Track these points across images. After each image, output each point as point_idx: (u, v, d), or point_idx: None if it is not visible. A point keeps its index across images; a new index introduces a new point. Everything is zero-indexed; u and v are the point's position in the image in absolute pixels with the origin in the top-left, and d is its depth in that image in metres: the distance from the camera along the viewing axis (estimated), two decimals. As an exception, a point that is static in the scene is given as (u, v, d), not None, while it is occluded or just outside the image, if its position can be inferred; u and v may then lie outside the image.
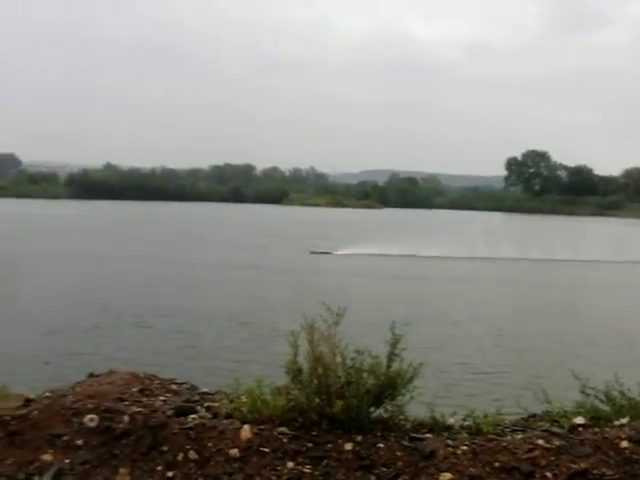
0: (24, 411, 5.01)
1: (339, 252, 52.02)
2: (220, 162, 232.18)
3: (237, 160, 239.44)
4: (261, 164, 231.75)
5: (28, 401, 5.22)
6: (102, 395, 5.18)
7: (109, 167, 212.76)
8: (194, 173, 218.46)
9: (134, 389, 5.45)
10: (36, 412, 4.98)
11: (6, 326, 22.57)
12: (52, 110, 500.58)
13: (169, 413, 4.98)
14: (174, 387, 5.75)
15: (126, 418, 4.84)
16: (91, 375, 5.91)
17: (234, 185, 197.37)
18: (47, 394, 5.35)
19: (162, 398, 5.39)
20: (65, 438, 4.75)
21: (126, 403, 5.11)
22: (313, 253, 51.10)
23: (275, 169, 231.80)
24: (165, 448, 4.61)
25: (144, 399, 5.28)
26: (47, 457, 4.63)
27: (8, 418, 4.94)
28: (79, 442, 4.72)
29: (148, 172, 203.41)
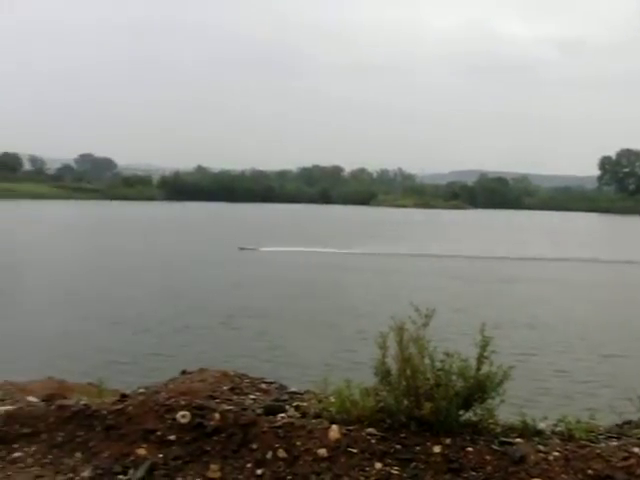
0: (120, 406, 5.16)
1: (402, 252, 51.96)
2: (309, 164, 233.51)
3: (325, 162, 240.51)
4: (349, 165, 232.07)
5: (123, 397, 5.38)
6: (194, 392, 5.28)
7: (200, 169, 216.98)
8: (283, 175, 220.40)
9: (225, 387, 5.54)
10: (131, 407, 5.12)
11: (104, 324, 23.33)
12: (147, 115, 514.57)
13: (259, 412, 5.03)
14: (264, 386, 5.81)
15: (217, 415, 4.92)
16: (183, 373, 6.03)
17: (322, 187, 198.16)
18: (141, 390, 5.49)
19: (252, 397, 5.46)
20: (158, 433, 4.87)
21: (217, 401, 5.19)
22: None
23: (363, 170, 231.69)
24: (255, 446, 4.67)
25: (234, 397, 5.36)
26: (141, 451, 4.75)
27: (105, 412, 5.10)
28: (172, 437, 4.83)
29: (238, 174, 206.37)
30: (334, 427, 4.73)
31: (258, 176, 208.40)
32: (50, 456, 4.87)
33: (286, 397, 5.49)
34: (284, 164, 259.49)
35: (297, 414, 5.06)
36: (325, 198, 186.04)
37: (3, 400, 5.63)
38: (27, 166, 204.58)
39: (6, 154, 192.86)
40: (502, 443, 4.71)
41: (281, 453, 4.58)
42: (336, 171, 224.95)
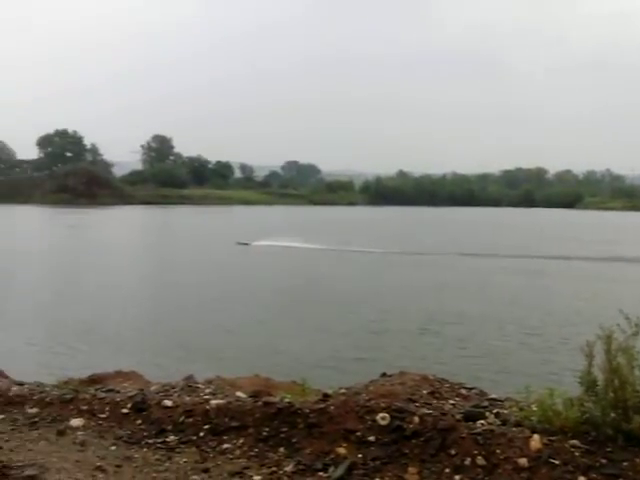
0: (322, 405, 5.31)
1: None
2: (511, 166, 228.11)
3: (529, 164, 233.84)
4: (553, 167, 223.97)
5: (325, 396, 5.52)
6: (394, 395, 5.32)
7: (401, 174, 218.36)
8: (484, 178, 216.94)
9: (424, 391, 5.53)
10: (332, 407, 5.25)
11: (302, 329, 24.07)
12: (348, 122, 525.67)
13: (458, 417, 4.98)
14: (463, 392, 5.74)
15: (416, 419, 4.93)
16: (383, 375, 6.09)
17: (525, 189, 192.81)
18: (342, 391, 5.61)
19: (451, 402, 5.41)
20: (358, 434, 4.96)
21: (416, 404, 5.20)
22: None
23: (568, 172, 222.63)
24: (453, 451, 4.63)
25: (434, 401, 5.34)
26: (341, 450, 4.87)
27: (307, 411, 5.28)
28: (371, 438, 4.90)
29: (438, 178, 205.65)
30: (535, 437, 4.60)
31: (459, 180, 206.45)
32: (256, 449, 5.11)
33: (486, 404, 5.40)
34: (486, 167, 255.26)
35: (497, 421, 4.96)
36: (528, 201, 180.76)
37: (214, 394, 5.96)
38: (238, 174, 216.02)
39: (219, 163, 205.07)
40: None
41: (480, 460, 4.51)
42: (540, 173, 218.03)
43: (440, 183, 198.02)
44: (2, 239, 60.58)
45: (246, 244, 58.30)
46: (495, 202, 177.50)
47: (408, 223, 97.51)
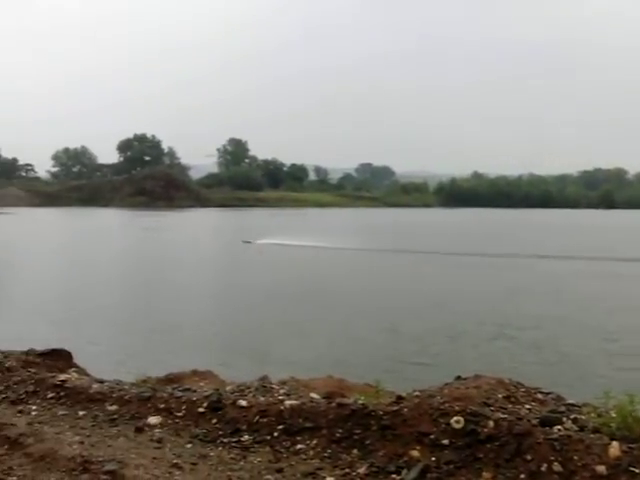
0: (395, 407, 5.31)
1: None
2: (590, 167, 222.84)
3: (607, 164, 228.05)
4: (633, 168, 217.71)
5: (399, 398, 5.52)
6: (468, 398, 5.28)
7: (476, 175, 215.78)
8: (562, 179, 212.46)
9: (499, 395, 5.46)
10: (406, 410, 5.24)
11: (374, 332, 24.05)
12: (420, 124, 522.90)
13: (534, 422, 4.91)
14: (540, 396, 5.66)
15: (491, 423, 4.88)
16: (458, 378, 6.05)
17: (605, 190, 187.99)
18: (416, 393, 5.59)
19: (527, 406, 5.34)
20: (432, 437, 4.94)
21: (491, 408, 5.14)
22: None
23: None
24: (529, 457, 4.56)
25: (509, 406, 5.27)
26: (414, 453, 4.85)
27: (381, 413, 5.28)
28: (445, 442, 4.88)
29: (514, 179, 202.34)
30: (614, 444, 4.49)
31: (536, 181, 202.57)
32: (329, 450, 5.14)
33: (563, 409, 5.30)
34: (564, 168, 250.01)
35: (574, 427, 4.86)
36: (607, 202, 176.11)
37: (289, 395, 6.02)
38: (312, 176, 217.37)
39: (294, 165, 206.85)
40: None
41: (556, 467, 4.44)
42: (619, 173, 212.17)
43: (516, 184, 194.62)
44: (80, 242, 62.39)
45: (249, 242, 58.63)
46: (573, 204, 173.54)
47: (484, 225, 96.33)
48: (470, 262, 48.46)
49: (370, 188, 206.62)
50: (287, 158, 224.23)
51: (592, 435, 4.67)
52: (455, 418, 4.99)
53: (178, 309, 28.52)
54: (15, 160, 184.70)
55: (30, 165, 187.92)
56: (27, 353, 8.36)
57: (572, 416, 5.07)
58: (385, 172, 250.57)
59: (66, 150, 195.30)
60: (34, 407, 6.41)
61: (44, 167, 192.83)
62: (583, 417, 5.03)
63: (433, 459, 4.76)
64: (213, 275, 43.54)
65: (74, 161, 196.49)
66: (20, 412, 6.26)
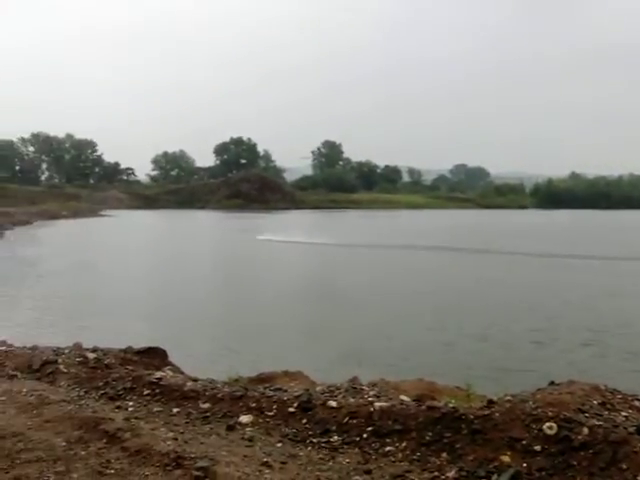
0: (486, 412, 5.24)
1: None
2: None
3: None
4: None
5: (490, 403, 5.45)
6: (562, 404, 5.17)
7: (574, 176, 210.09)
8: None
9: (594, 401, 5.33)
10: (497, 414, 5.17)
11: (462, 336, 23.73)
12: (519, 123, 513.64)
13: (631, 430, 4.77)
14: (637, 404, 5.49)
15: (585, 430, 4.77)
16: (551, 383, 5.93)
17: None
18: (508, 398, 5.51)
19: (624, 414, 5.19)
20: (524, 442, 4.86)
21: (586, 415, 5.03)
22: None
23: None
24: (624, 466, 4.43)
25: (605, 413, 5.14)
26: (505, 458, 4.78)
27: (472, 417, 5.22)
28: (537, 448, 4.78)
29: (614, 179, 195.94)
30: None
31: (637, 181, 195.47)
32: (418, 453, 5.12)
33: (663, 416, 5.13)
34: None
35: (674, 436, 4.70)
36: None
37: (378, 397, 6.03)
38: (405, 178, 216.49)
39: (387, 167, 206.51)
40: None
41: (656, 477, 4.30)
42: None
43: (616, 185, 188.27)
44: (177, 243, 63.93)
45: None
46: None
47: (582, 226, 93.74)
48: (565, 264, 47.18)
49: (464, 189, 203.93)
50: (381, 160, 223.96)
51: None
52: (548, 424, 4.89)
53: (271, 310, 28.84)
54: (117, 164, 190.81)
55: (131, 169, 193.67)
56: (125, 351, 8.66)
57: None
58: (480, 173, 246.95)
59: (165, 154, 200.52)
60: (131, 403, 6.64)
61: (143, 170, 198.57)
62: (684, 426, 4.85)
63: (524, 465, 4.68)
64: (307, 274, 43.82)
65: (172, 164, 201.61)
66: (118, 408, 6.49)
